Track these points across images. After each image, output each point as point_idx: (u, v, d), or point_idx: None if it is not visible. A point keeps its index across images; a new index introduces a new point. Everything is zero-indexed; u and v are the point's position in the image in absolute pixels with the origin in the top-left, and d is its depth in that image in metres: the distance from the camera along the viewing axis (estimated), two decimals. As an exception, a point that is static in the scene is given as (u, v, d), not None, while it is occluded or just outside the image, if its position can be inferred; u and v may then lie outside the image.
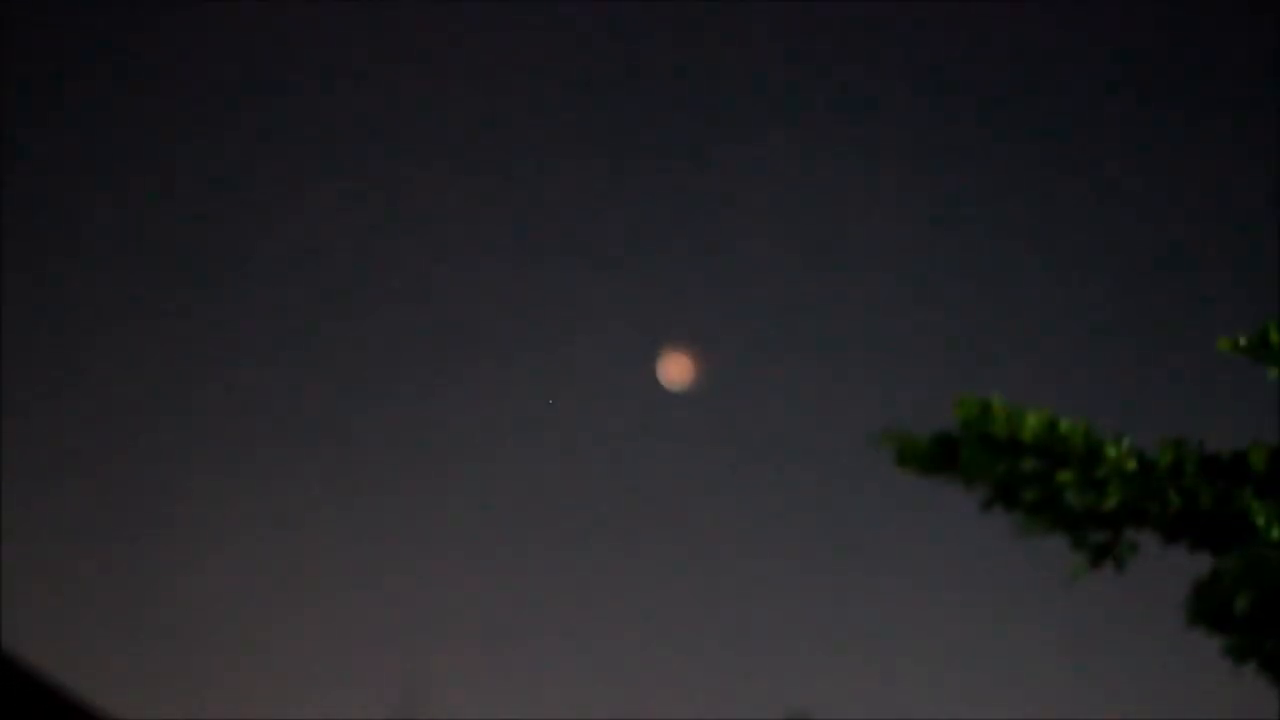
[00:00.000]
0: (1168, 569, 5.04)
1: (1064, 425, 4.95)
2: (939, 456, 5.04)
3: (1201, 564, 5.08)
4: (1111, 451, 4.92)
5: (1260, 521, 4.77)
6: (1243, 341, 4.69)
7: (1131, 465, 4.88)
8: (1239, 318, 4.84)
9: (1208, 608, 5.05)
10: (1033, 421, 4.97)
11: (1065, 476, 4.93)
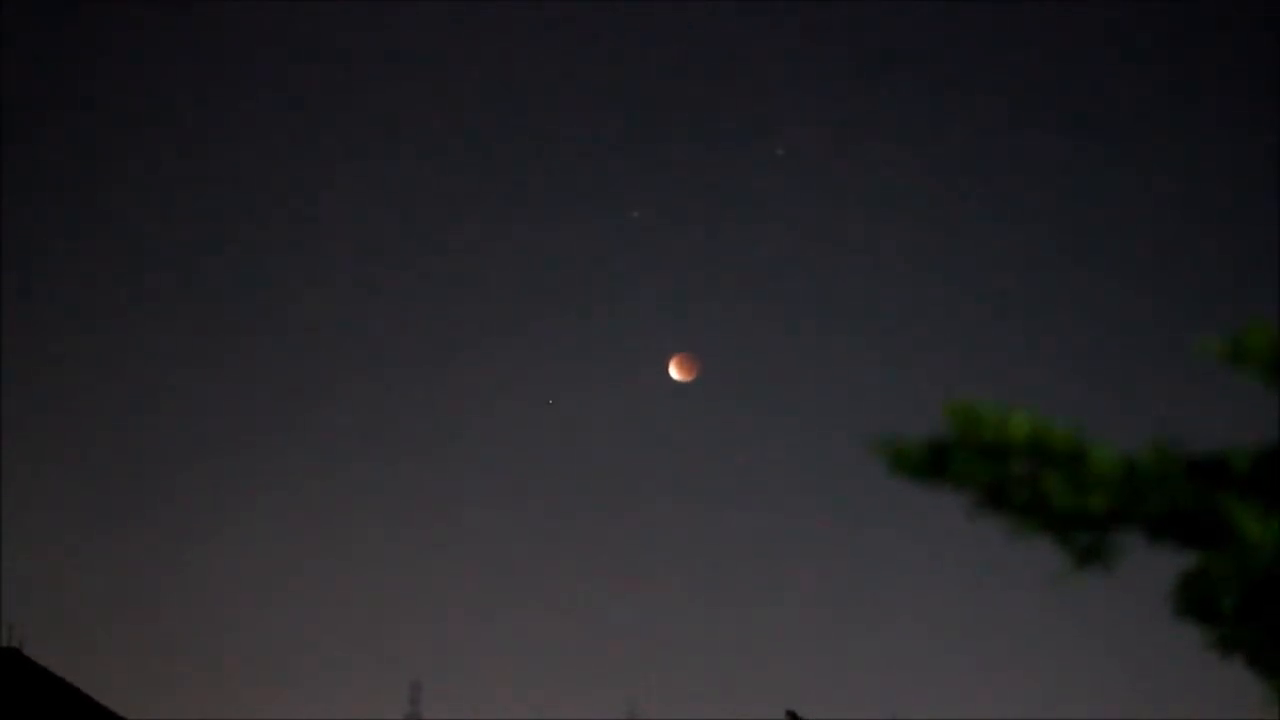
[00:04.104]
0: (1162, 564, 5.13)
1: (1049, 427, 5.01)
2: (932, 463, 5.07)
3: (1187, 560, 5.17)
4: (1096, 453, 4.97)
5: (1242, 522, 4.85)
6: (1218, 345, 4.74)
7: (1116, 467, 4.95)
8: (1226, 320, 4.89)
9: (1194, 602, 5.14)
10: (1019, 424, 5.02)
11: (1052, 478, 4.99)
